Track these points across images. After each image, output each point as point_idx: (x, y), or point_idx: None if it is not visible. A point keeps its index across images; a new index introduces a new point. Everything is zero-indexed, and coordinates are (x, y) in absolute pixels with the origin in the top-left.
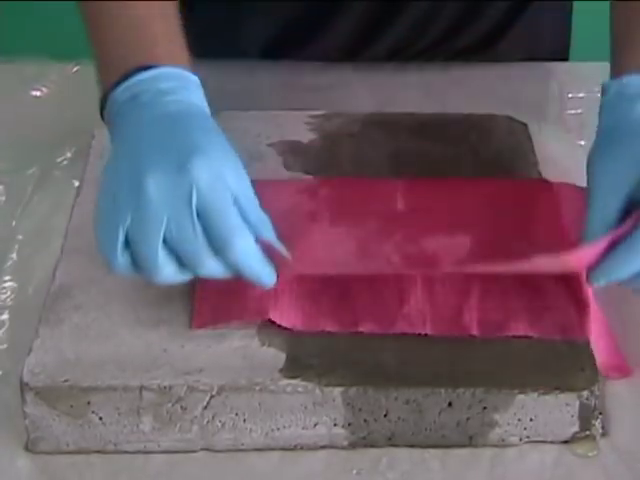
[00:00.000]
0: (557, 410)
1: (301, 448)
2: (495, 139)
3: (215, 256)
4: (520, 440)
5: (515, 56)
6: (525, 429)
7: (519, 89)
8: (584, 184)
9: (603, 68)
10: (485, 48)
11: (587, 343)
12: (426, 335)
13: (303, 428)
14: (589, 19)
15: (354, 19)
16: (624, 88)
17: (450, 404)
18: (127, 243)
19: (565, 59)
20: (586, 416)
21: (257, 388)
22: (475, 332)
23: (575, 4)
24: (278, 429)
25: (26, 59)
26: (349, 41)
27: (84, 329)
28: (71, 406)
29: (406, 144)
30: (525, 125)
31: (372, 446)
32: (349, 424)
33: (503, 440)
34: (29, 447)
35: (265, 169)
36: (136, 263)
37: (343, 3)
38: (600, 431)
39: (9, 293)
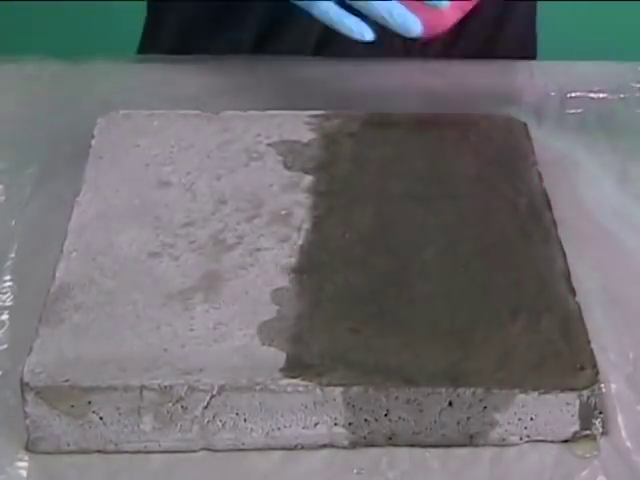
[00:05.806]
0: (557, 409)
1: (302, 448)
2: (495, 139)
3: None
4: (520, 439)
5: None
6: (525, 428)
7: (519, 89)
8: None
9: (603, 68)
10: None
11: (587, 342)
12: None
13: (304, 428)
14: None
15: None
16: None
17: (450, 404)
18: None
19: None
20: (586, 415)
21: (258, 388)
22: None
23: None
24: (279, 429)
25: (26, 58)
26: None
27: (84, 329)
28: (72, 406)
29: (406, 144)
30: (525, 125)
31: (372, 445)
32: (349, 424)
33: (503, 439)
34: (29, 447)
35: (265, 169)
36: None
37: None
38: (600, 431)
39: (9, 293)
